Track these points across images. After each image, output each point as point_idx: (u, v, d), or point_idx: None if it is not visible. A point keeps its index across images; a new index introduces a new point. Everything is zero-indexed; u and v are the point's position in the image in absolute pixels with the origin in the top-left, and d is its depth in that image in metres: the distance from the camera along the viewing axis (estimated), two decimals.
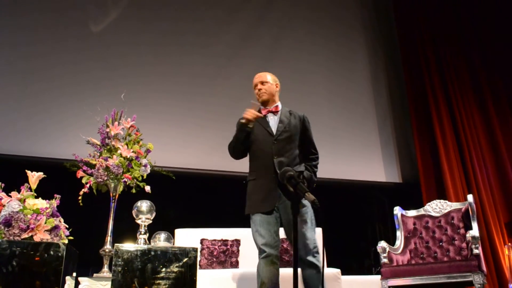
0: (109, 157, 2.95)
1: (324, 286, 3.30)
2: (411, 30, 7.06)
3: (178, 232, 4.95)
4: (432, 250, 4.58)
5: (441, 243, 4.59)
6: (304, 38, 6.95)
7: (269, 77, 3.65)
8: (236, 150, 3.56)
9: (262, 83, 3.60)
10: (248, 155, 3.60)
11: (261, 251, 3.28)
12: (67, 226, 2.73)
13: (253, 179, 3.47)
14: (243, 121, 3.38)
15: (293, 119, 3.55)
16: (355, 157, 6.59)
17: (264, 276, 3.19)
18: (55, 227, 2.59)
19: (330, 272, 4.41)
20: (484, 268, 3.99)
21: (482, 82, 6.81)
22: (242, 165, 5.91)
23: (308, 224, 3.30)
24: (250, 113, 3.36)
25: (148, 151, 3.13)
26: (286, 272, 4.39)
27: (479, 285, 3.79)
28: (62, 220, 2.71)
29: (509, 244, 5.61)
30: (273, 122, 3.53)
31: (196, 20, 6.45)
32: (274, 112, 3.57)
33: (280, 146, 3.40)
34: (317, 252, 3.27)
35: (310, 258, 3.22)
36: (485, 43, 7.12)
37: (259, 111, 3.49)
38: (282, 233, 5.02)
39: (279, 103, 3.63)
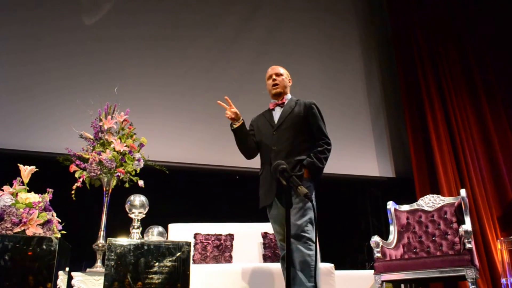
0: (102, 151, 2.94)
1: (318, 281, 3.28)
2: (404, 24, 7.07)
3: (172, 226, 4.95)
4: (425, 245, 4.60)
5: (434, 238, 4.61)
6: (297, 31, 6.94)
7: (283, 70, 3.65)
8: (242, 149, 3.55)
9: (277, 74, 3.60)
10: None
11: (280, 248, 3.41)
12: (60, 220, 2.72)
13: (260, 173, 3.52)
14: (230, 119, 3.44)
15: (298, 107, 3.49)
16: (348, 151, 6.60)
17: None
18: (48, 221, 2.58)
19: (324, 267, 4.42)
20: (477, 263, 4.01)
21: (475, 77, 6.84)
22: (236, 160, 5.94)
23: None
24: (229, 113, 3.41)
25: (141, 145, 3.12)
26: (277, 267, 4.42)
27: (471, 280, 3.80)
28: (54, 214, 2.70)
29: (502, 238, 5.65)
30: (277, 114, 3.52)
31: (189, 13, 6.43)
32: (281, 105, 3.55)
33: (279, 136, 3.38)
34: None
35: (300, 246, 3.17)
36: (478, 36, 7.14)
37: (268, 109, 3.60)
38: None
39: (287, 95, 3.61)
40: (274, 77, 3.58)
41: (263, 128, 3.51)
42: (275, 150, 3.33)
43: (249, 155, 3.58)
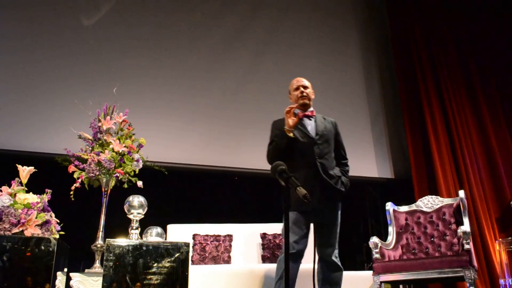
0: (101, 152, 2.93)
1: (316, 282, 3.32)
2: (403, 26, 7.07)
3: (170, 227, 4.94)
4: (423, 246, 4.60)
5: (432, 239, 4.61)
6: (297, 32, 6.94)
7: (308, 83, 3.79)
8: (277, 156, 3.46)
9: (304, 87, 3.73)
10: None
11: (289, 247, 3.33)
12: (58, 221, 2.71)
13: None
14: (287, 127, 3.44)
15: (328, 124, 3.70)
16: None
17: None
18: (46, 222, 2.58)
19: None
20: (475, 264, 4.01)
21: (474, 78, 6.84)
22: (235, 161, 5.95)
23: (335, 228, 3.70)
24: (293, 120, 3.44)
25: (140, 146, 3.12)
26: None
27: (470, 280, 3.81)
28: (53, 215, 2.69)
29: (500, 239, 5.65)
30: (310, 125, 3.62)
31: (189, 13, 6.42)
32: (310, 117, 3.66)
33: (321, 149, 3.54)
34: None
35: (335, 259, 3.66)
36: (477, 39, 7.14)
37: (295, 115, 3.56)
38: (275, 229, 5.05)
39: (311, 108, 3.72)
40: (302, 89, 3.70)
41: (301, 137, 3.55)
42: (320, 161, 3.48)
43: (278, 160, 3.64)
